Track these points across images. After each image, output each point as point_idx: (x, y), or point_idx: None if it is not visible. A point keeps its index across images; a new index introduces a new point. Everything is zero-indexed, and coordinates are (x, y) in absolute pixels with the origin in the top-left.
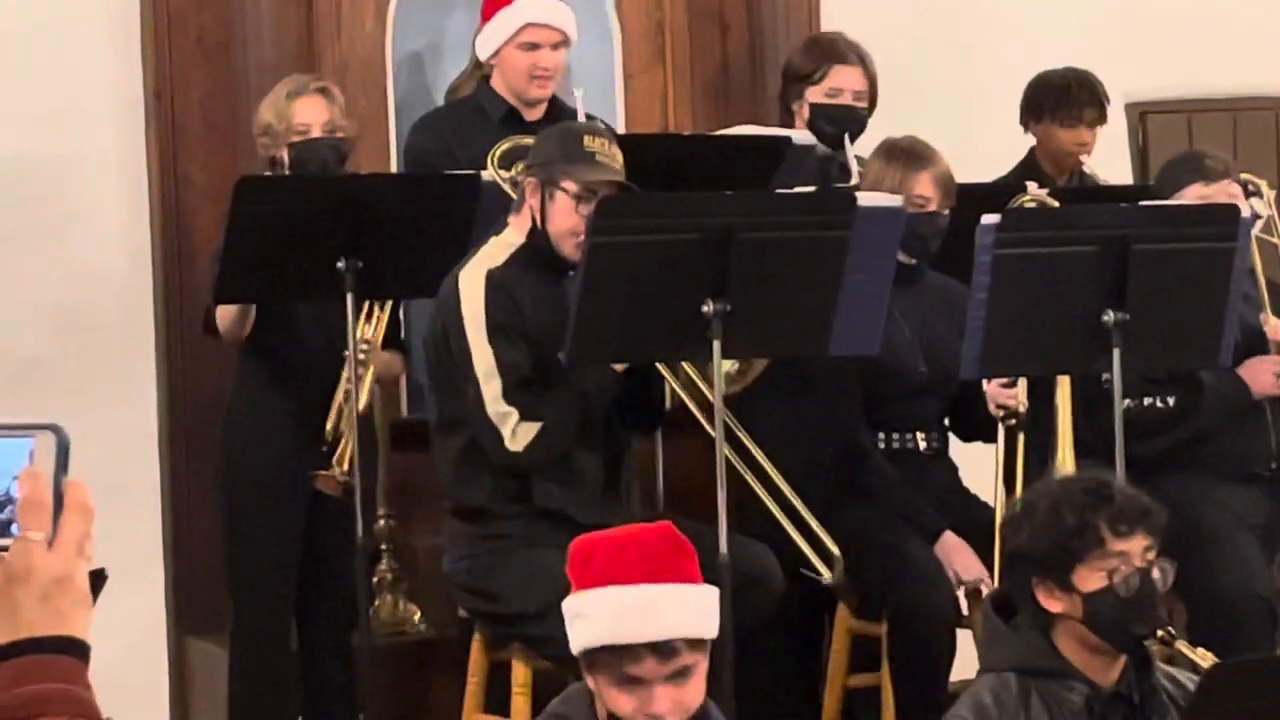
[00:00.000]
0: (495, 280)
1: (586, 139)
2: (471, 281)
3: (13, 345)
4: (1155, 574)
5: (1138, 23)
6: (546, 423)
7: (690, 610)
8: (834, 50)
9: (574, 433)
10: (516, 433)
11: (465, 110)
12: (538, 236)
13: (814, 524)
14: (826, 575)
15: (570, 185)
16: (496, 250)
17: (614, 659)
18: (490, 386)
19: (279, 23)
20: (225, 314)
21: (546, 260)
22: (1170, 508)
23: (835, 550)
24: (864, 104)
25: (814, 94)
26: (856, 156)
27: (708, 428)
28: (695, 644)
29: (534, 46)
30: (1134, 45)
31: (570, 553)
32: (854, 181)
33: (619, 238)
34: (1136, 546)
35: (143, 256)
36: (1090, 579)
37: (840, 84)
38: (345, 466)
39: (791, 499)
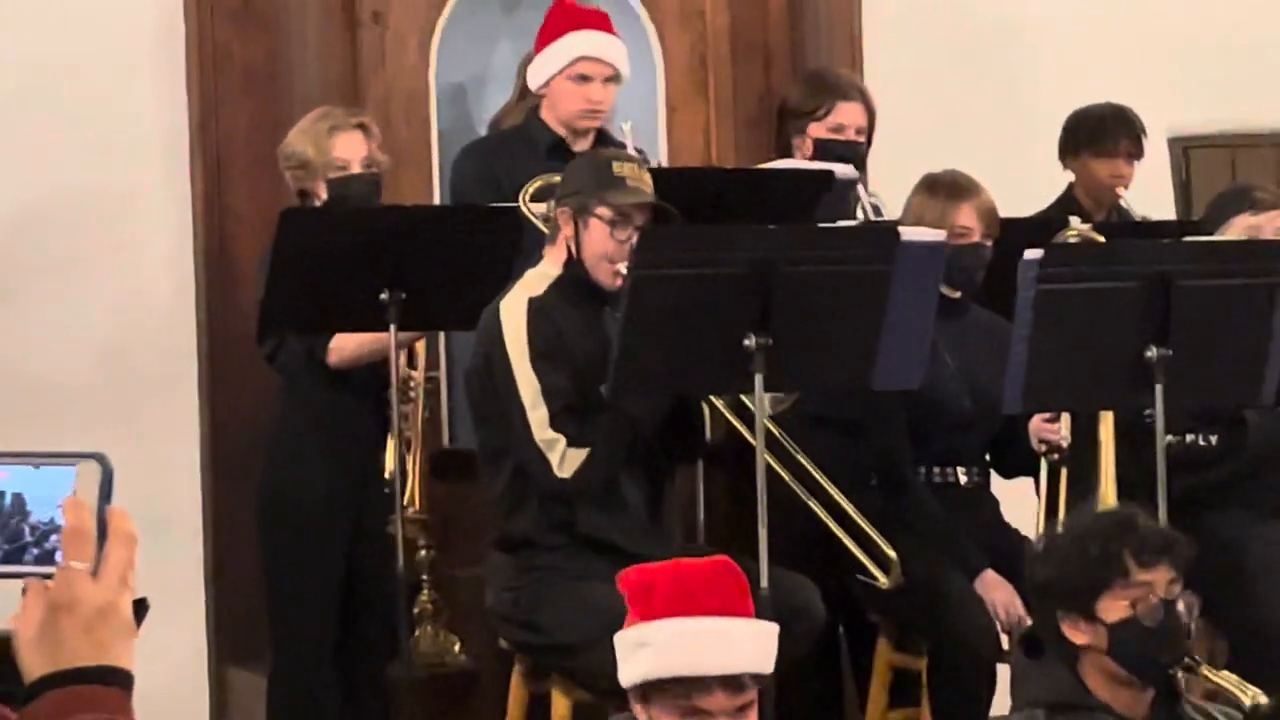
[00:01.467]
0: (537, 307)
1: (616, 165)
2: (513, 310)
3: (57, 375)
4: (1180, 606)
5: (1181, 57)
6: (595, 448)
7: (759, 645)
8: (837, 87)
9: (622, 458)
10: (565, 459)
11: (512, 140)
12: (574, 266)
13: (868, 527)
14: (883, 579)
15: (603, 211)
16: (534, 281)
17: (681, 690)
18: (537, 413)
19: (323, 55)
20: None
21: (584, 289)
22: (1216, 544)
23: (891, 553)
24: (864, 139)
25: (817, 130)
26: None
27: (751, 438)
28: (758, 679)
29: (586, 79)
30: (1177, 80)
31: (626, 583)
32: (873, 217)
33: (662, 270)
34: (1161, 578)
35: (186, 287)
36: (1114, 609)
37: (844, 120)
38: (417, 506)
39: (844, 504)
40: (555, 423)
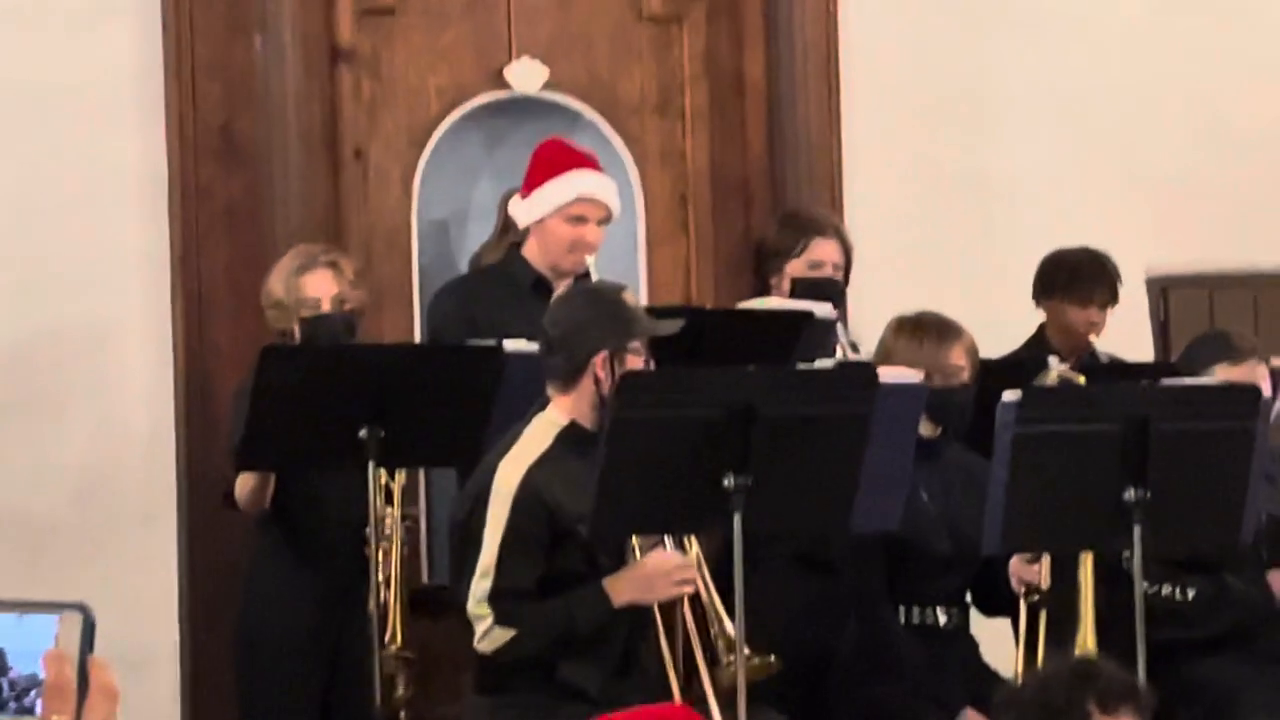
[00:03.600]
0: (531, 483)
1: (623, 298)
2: (508, 479)
3: (34, 509)
4: None
5: (1159, 197)
6: (519, 634)
7: None
8: (814, 224)
9: (550, 648)
10: (488, 635)
11: (492, 277)
12: (591, 414)
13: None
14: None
15: (636, 345)
16: (539, 435)
17: None
18: (481, 584)
19: (305, 191)
20: (245, 484)
21: (594, 439)
22: (1208, 688)
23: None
24: (841, 276)
25: (795, 268)
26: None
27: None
28: None
29: (581, 220)
30: (1155, 220)
31: None
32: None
33: (641, 412)
34: None
35: (166, 422)
36: None
37: (821, 256)
38: (400, 643)
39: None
40: (492, 600)
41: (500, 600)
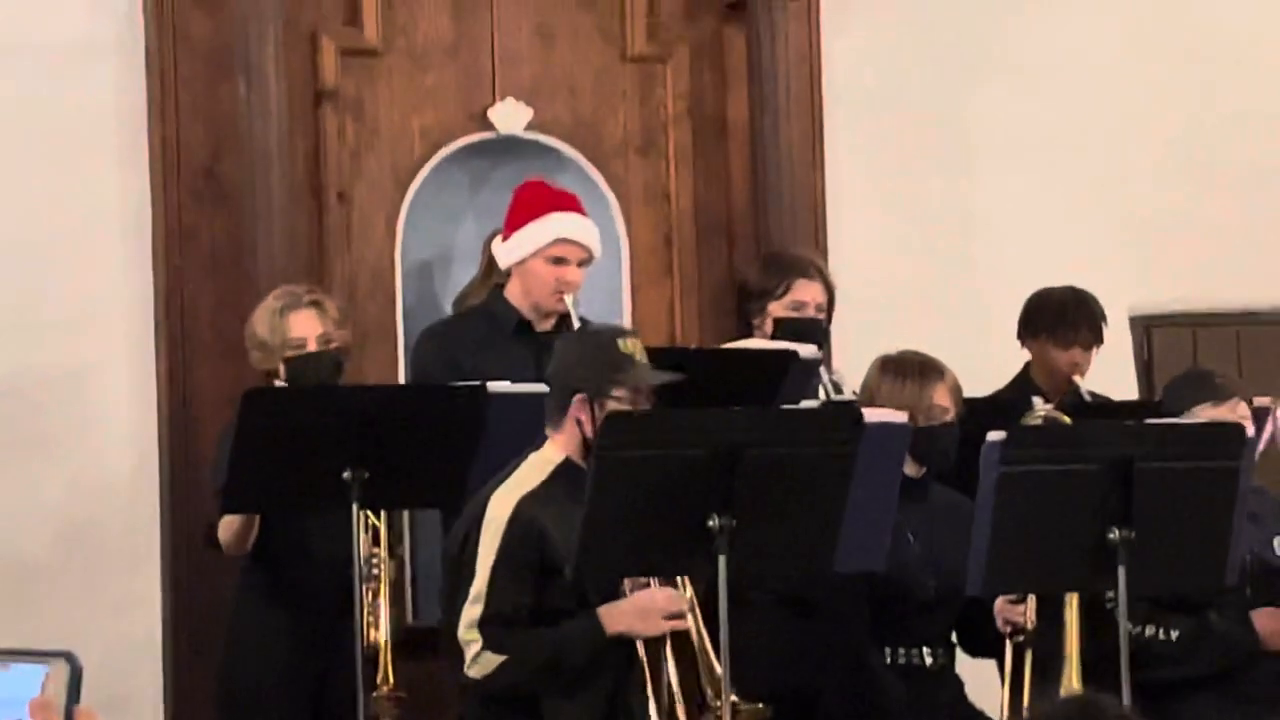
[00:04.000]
0: (523, 513)
1: (620, 344)
2: (500, 507)
3: (17, 552)
4: None
5: (1143, 236)
6: (509, 660)
7: None
8: (797, 265)
9: (540, 678)
10: (478, 660)
11: (476, 320)
12: (587, 450)
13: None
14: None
15: (620, 393)
16: (534, 470)
17: None
18: (472, 610)
19: (289, 233)
20: (228, 526)
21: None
22: None
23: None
24: (824, 316)
25: (777, 308)
26: (834, 378)
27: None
28: None
29: (561, 261)
30: (1139, 259)
31: None
32: (835, 395)
33: (626, 452)
34: None
35: (149, 465)
36: None
37: (804, 297)
38: (391, 684)
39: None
40: (481, 626)
41: (490, 625)
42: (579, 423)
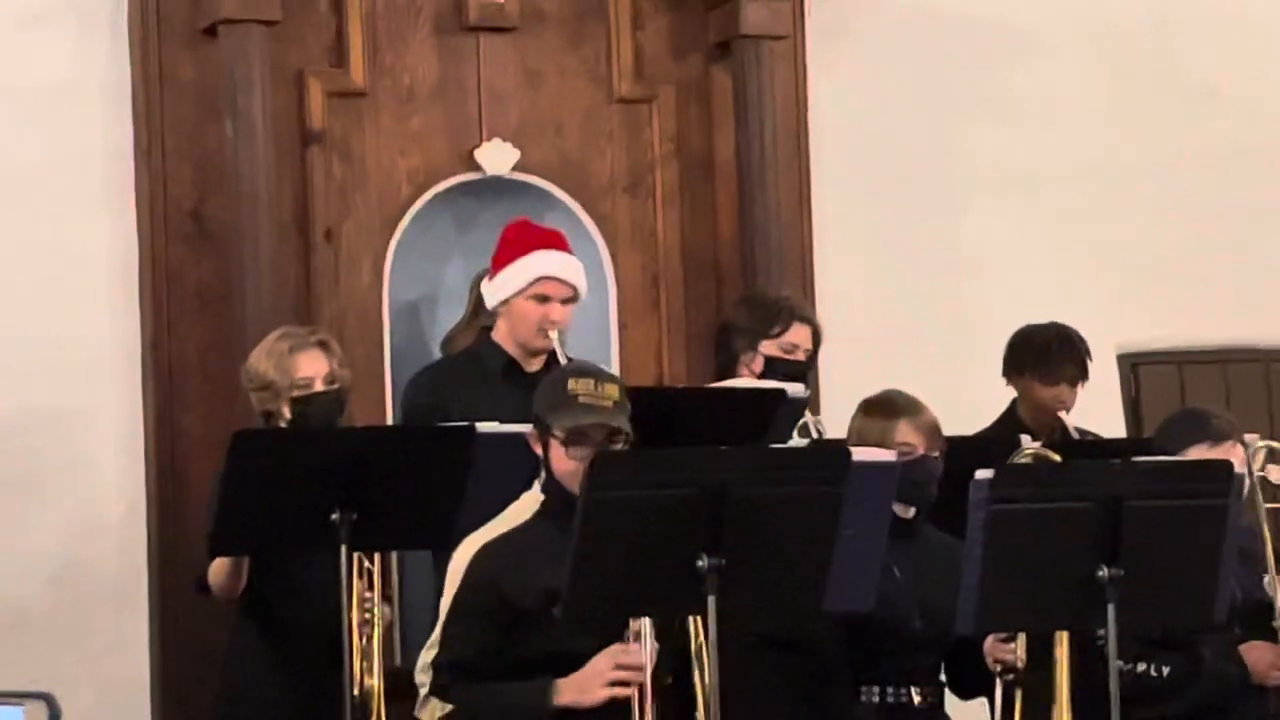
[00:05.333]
0: (479, 560)
1: (570, 383)
2: (463, 553)
3: (5, 592)
4: None
5: (1129, 274)
6: (453, 712)
7: None
8: (793, 308)
9: None
10: (425, 705)
11: (463, 364)
12: (554, 485)
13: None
14: None
15: (558, 432)
16: (522, 509)
17: None
18: (426, 655)
19: (276, 274)
20: (218, 570)
21: (566, 509)
22: None
23: None
24: (810, 359)
25: (770, 347)
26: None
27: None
28: None
29: (546, 299)
30: (1125, 297)
31: None
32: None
33: (613, 493)
34: None
35: (138, 507)
36: None
37: (797, 340)
38: None
39: None
40: (435, 670)
41: (439, 673)
42: (539, 456)
